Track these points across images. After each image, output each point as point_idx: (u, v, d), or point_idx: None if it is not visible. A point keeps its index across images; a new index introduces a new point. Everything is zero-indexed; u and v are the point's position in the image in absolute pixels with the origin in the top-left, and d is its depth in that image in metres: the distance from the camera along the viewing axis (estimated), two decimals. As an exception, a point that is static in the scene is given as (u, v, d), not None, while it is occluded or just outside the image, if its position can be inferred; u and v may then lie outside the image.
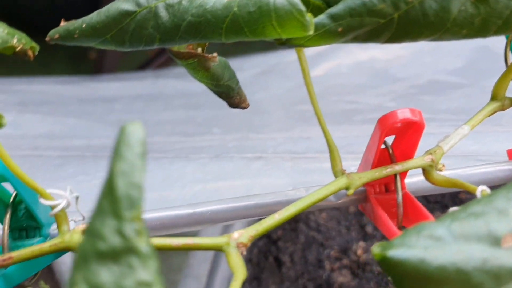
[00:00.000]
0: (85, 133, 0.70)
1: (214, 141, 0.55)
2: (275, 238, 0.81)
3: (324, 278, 0.78)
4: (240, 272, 0.22)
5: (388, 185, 0.30)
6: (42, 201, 0.25)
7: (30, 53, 0.27)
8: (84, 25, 0.27)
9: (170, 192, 0.39)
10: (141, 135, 0.17)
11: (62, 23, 0.28)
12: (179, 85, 0.92)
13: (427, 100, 0.61)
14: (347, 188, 0.27)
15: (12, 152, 0.28)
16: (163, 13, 0.26)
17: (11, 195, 0.30)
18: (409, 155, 0.29)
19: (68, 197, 0.26)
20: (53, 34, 0.28)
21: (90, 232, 0.16)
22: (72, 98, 0.90)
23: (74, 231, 0.26)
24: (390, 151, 0.29)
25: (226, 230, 0.80)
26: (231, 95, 0.33)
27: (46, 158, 0.61)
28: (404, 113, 0.26)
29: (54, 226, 0.31)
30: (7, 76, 1.03)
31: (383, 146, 0.29)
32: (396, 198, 0.29)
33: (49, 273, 0.81)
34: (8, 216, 0.28)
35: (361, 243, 0.80)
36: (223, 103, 0.83)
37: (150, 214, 0.31)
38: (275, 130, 0.58)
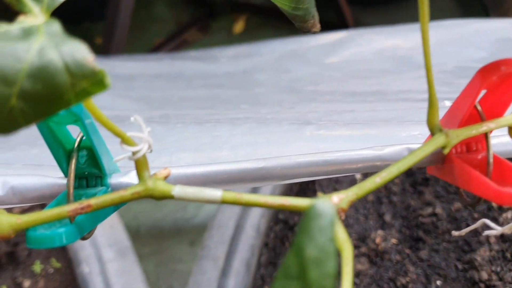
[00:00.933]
0: (108, 105, 0.68)
1: (249, 113, 0.53)
2: (292, 224, 0.80)
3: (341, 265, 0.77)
4: (346, 246, 0.20)
5: (469, 144, 0.29)
6: (124, 147, 0.24)
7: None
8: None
9: (219, 153, 0.37)
10: (332, 215, 0.16)
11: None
12: (197, 66, 0.91)
13: (462, 83, 0.60)
14: (443, 147, 0.25)
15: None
16: None
17: (74, 140, 0.28)
18: (498, 113, 0.27)
19: (150, 140, 0.24)
20: None
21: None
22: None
23: (156, 177, 0.24)
24: (479, 108, 0.27)
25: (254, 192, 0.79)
26: (307, 19, 0.31)
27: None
28: (507, 64, 0.25)
29: (113, 176, 0.30)
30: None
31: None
32: (478, 158, 0.28)
33: (61, 251, 0.79)
34: (74, 161, 0.27)
35: (380, 232, 0.79)
36: (246, 83, 0.81)
37: (217, 167, 0.30)
38: (312, 105, 0.57)
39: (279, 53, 0.92)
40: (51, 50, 0.18)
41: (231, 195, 0.24)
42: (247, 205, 0.24)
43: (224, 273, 0.72)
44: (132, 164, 0.27)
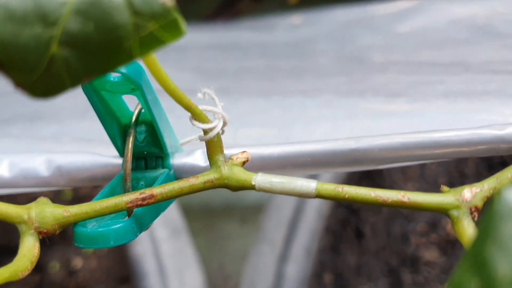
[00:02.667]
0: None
1: (318, 84, 0.48)
2: (355, 207, 0.74)
3: (409, 253, 0.71)
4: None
5: None
6: (196, 123, 0.19)
7: None
8: None
9: (291, 129, 0.32)
10: None
11: None
12: (253, 36, 0.86)
13: None
14: None
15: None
16: None
17: (131, 113, 0.23)
18: None
19: (225, 115, 0.19)
20: None
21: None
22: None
23: (231, 163, 0.19)
24: None
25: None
26: None
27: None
28: None
29: (176, 156, 0.25)
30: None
31: None
32: None
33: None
34: (131, 139, 0.22)
35: (453, 218, 0.72)
36: (307, 54, 0.75)
37: (298, 147, 0.25)
38: (387, 76, 0.50)
39: (342, 22, 0.86)
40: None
41: (329, 188, 0.18)
42: (349, 201, 0.19)
43: (283, 258, 0.67)
44: (196, 143, 0.23)
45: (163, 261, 0.71)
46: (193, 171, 0.25)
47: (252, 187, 0.19)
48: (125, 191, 0.22)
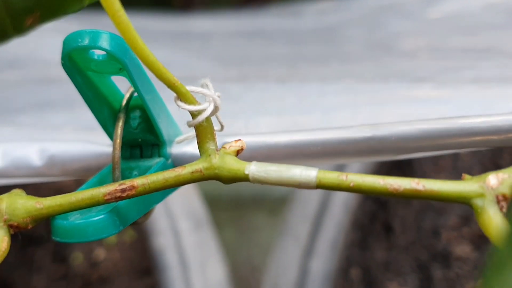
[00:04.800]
0: (181, 66, 0.62)
1: (341, 71, 0.45)
2: (383, 200, 0.71)
3: (439, 249, 0.68)
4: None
5: None
6: (181, 104, 0.17)
7: None
8: None
9: (308, 117, 0.29)
10: None
11: None
12: (279, 23, 0.84)
13: None
14: None
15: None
16: None
17: (122, 96, 0.21)
18: None
19: (216, 98, 0.17)
20: None
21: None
22: (163, 33, 0.83)
23: (224, 151, 0.17)
24: None
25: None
26: None
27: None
28: None
29: (174, 144, 0.23)
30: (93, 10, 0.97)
31: None
32: None
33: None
34: (120, 124, 0.20)
35: (487, 212, 0.69)
36: (334, 40, 0.73)
37: (308, 135, 0.22)
38: (416, 63, 0.48)
39: (372, 8, 0.83)
40: None
41: (332, 176, 0.16)
42: (354, 191, 0.17)
43: (308, 253, 0.65)
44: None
45: (186, 253, 0.70)
46: (194, 159, 0.23)
47: (246, 178, 0.16)
48: (114, 181, 0.20)
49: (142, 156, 0.22)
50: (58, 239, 0.18)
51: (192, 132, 0.20)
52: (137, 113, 0.22)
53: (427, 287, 0.65)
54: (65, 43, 0.18)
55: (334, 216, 0.67)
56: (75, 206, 0.16)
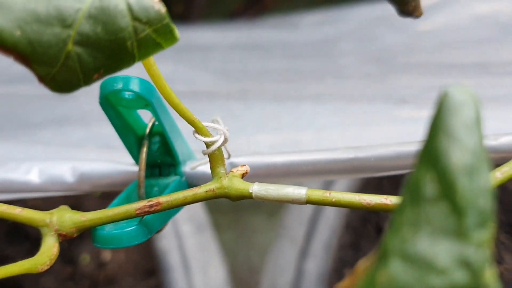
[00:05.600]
0: (184, 78, 0.66)
1: (334, 88, 0.49)
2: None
3: (429, 250, 0.72)
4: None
5: None
6: (198, 136, 0.21)
7: None
8: None
9: (302, 136, 0.33)
10: (477, 105, 0.11)
11: None
12: (276, 35, 0.87)
13: None
14: None
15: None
16: None
17: (145, 125, 0.25)
18: None
19: (226, 132, 0.21)
20: None
21: (409, 256, 0.11)
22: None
23: (232, 174, 0.21)
24: None
25: (326, 187, 0.75)
26: (407, 1, 0.26)
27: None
28: None
29: (188, 164, 0.27)
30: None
31: None
32: None
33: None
34: (145, 149, 0.24)
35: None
36: (329, 53, 0.76)
37: (300, 156, 0.26)
38: (404, 79, 0.51)
39: (366, 20, 0.86)
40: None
41: (318, 193, 0.20)
42: (336, 206, 0.21)
43: (303, 254, 0.69)
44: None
45: (188, 255, 0.74)
46: (204, 177, 0.27)
47: (250, 196, 0.20)
48: (139, 197, 0.24)
49: (160, 174, 0.26)
50: (98, 245, 0.22)
51: (204, 160, 0.24)
52: (157, 139, 0.26)
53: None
54: (103, 86, 0.22)
55: (328, 219, 0.71)
56: (111, 219, 0.20)
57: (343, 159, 0.26)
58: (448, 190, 0.11)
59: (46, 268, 0.19)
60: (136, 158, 0.26)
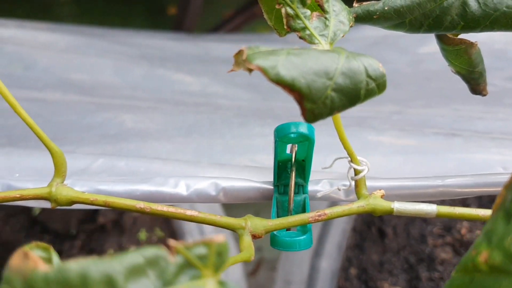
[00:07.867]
0: (222, 94, 0.72)
1: (371, 112, 0.57)
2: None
3: (427, 253, 0.79)
4: None
5: None
6: (353, 165, 0.28)
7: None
8: (386, 8, 0.29)
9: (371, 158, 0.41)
10: None
11: (356, 4, 0.30)
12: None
13: None
14: None
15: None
16: (473, 3, 0.28)
17: (286, 154, 0.33)
18: None
19: (369, 164, 0.29)
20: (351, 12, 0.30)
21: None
22: (188, 56, 0.91)
23: (374, 195, 0.29)
24: None
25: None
26: (479, 82, 0.35)
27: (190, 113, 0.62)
28: None
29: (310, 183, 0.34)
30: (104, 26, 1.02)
31: None
32: None
33: (165, 222, 0.85)
34: (293, 174, 0.31)
35: (465, 223, 0.81)
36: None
37: (389, 183, 0.34)
38: (430, 106, 0.59)
39: (372, 40, 0.92)
40: (353, 59, 0.24)
41: (445, 208, 0.28)
42: (460, 218, 0.28)
43: (317, 254, 0.76)
44: (320, 174, 0.32)
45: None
46: (321, 196, 0.34)
47: (391, 211, 0.28)
48: (288, 210, 0.31)
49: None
50: (277, 247, 0.29)
51: (331, 189, 0.31)
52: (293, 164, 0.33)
53: (415, 286, 0.77)
54: (279, 130, 0.29)
55: (340, 222, 0.78)
56: (291, 224, 0.27)
57: (431, 185, 0.34)
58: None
59: (253, 259, 0.26)
60: (275, 177, 0.33)
